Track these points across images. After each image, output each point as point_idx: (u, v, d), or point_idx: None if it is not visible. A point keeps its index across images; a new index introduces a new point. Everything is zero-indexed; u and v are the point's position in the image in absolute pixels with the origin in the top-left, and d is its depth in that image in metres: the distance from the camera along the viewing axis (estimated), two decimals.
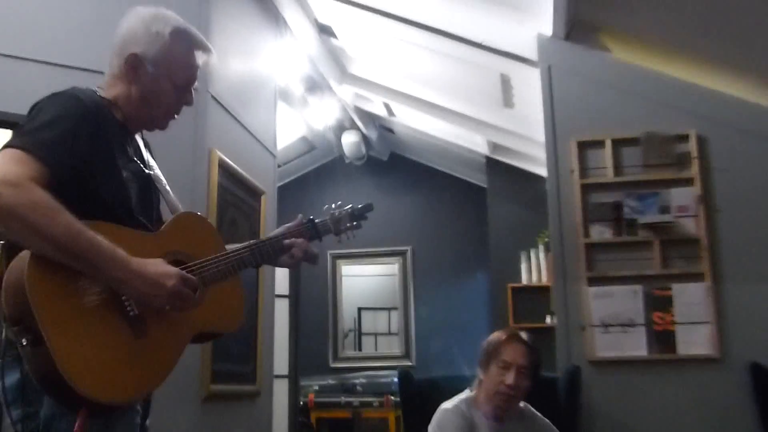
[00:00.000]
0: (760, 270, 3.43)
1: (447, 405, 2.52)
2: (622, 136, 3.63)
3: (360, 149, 7.21)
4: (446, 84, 5.35)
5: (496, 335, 2.51)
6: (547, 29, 3.77)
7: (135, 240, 1.52)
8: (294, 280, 6.11)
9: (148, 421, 1.66)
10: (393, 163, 7.88)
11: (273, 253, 1.81)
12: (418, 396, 3.16)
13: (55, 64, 2.77)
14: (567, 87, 3.76)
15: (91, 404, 1.37)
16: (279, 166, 4.56)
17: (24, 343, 1.35)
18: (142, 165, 1.68)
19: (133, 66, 1.65)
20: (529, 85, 4.31)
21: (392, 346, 7.74)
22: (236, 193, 3.49)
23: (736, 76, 3.68)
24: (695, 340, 3.39)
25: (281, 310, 5.59)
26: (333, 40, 5.22)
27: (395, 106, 6.16)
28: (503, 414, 2.44)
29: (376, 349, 7.92)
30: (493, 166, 6.65)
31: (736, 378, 3.32)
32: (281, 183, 5.28)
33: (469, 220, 7.43)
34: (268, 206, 3.90)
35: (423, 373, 5.66)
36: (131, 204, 1.60)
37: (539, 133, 3.99)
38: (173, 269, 1.50)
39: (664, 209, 3.53)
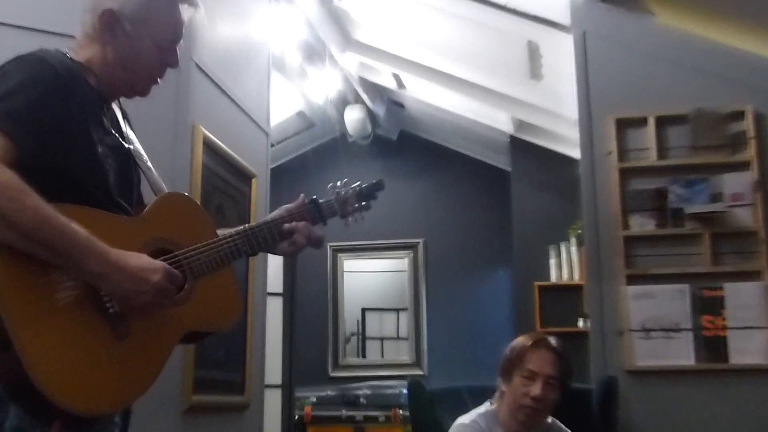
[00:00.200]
0: None
1: (463, 420, 2.53)
2: (668, 113, 3.63)
3: (365, 127, 7.20)
4: (465, 52, 5.34)
5: (521, 341, 2.52)
6: None
7: (113, 226, 1.52)
8: (289, 276, 6.13)
9: None
10: (403, 143, 7.87)
11: (271, 239, 1.80)
12: (430, 410, 3.17)
13: (22, 27, 2.77)
14: (604, 56, 3.76)
15: (65, 416, 1.37)
16: (272, 146, 4.56)
17: None
18: (120, 138, 1.67)
19: (108, 24, 1.64)
20: (561, 54, 4.31)
21: (401, 353, 7.77)
22: (223, 176, 3.50)
23: None
24: (750, 348, 3.40)
25: (274, 311, 5.62)
26: (335, 0, 5.22)
27: (406, 77, 6.15)
28: (528, 430, 2.46)
29: (382, 356, 7.95)
30: (517, 146, 6.64)
31: None
32: (275, 164, 5.29)
33: (489, 209, 7.43)
34: (259, 191, 3.91)
35: (436, 383, 5.71)
36: (108, 184, 1.58)
37: (572, 110, 3.99)
38: (158, 263, 1.51)
39: (716, 197, 3.54)
